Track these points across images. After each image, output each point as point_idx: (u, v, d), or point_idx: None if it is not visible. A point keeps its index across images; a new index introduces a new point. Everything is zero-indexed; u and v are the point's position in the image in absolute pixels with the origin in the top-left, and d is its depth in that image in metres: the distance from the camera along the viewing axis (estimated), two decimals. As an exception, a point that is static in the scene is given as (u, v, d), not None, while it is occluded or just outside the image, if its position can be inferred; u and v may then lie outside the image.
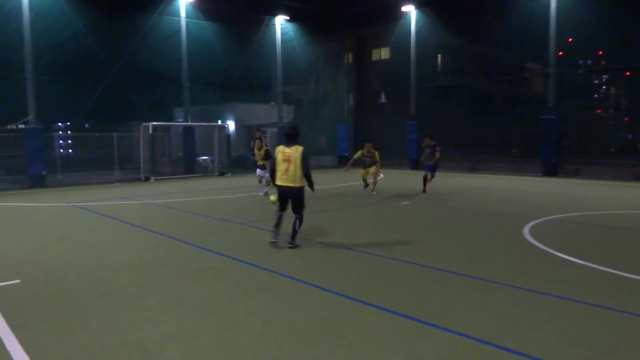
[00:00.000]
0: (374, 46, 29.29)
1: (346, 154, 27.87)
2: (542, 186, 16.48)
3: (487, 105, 24.35)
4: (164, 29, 21.53)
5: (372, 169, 13.63)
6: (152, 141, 19.94)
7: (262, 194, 13.61)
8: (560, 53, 21.34)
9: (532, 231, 8.43)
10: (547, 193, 14.43)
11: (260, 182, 13.88)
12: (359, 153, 13.76)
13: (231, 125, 26.82)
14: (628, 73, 22.18)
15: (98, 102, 19.82)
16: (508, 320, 4.46)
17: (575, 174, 19.74)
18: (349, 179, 18.42)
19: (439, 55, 27.21)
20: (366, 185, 14.08)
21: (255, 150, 14.03)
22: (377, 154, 13.60)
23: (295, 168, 6.86)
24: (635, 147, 21.66)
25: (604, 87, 25.40)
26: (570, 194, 14.22)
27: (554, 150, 20.20)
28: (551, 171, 19.98)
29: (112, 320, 4.53)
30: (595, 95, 25.23)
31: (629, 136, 22.80)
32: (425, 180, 13.94)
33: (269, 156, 12.48)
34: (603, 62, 23.22)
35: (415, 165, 24.51)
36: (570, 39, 21.47)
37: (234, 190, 15.43)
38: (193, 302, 5.01)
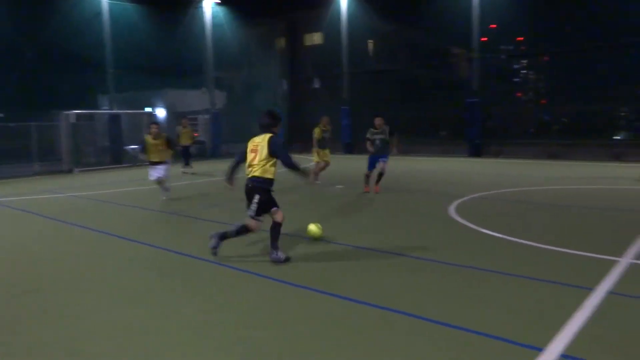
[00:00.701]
0: (306, 31, 29.26)
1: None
2: (468, 166, 17.29)
3: (416, 90, 25.10)
4: (85, 11, 20.36)
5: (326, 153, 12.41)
6: (74, 130, 18.91)
7: (163, 197, 10.75)
8: (484, 39, 22.32)
9: (458, 209, 8.85)
10: (471, 173, 15.16)
11: (160, 184, 10.61)
12: (317, 131, 12.31)
13: (161, 112, 25.92)
14: (546, 58, 23.60)
15: (14, 89, 18.48)
16: (440, 296, 4.69)
17: (498, 154, 20.86)
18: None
19: (371, 41, 27.62)
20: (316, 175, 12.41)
21: (149, 140, 10.07)
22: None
23: (261, 158, 5.73)
24: (551, 128, 23.21)
25: (524, 71, 26.86)
26: (493, 173, 15.04)
27: (478, 132, 21.21)
28: (476, 152, 20.99)
29: (40, 317, 4.32)
30: (516, 80, 26.63)
31: (546, 118, 24.35)
32: (378, 177, 10.95)
33: (174, 146, 11.00)
34: (523, 48, 24.53)
35: (350, 150, 24.90)
36: (494, 25, 22.51)
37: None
38: (124, 295, 4.87)
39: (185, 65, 24.86)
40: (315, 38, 28.95)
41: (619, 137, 21.34)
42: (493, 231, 7.10)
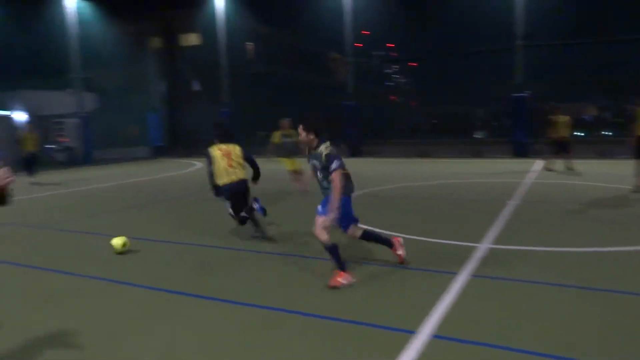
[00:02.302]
0: (182, 31, 28.35)
1: (160, 144, 26.67)
2: (348, 166, 17.98)
3: (295, 92, 25.61)
4: None
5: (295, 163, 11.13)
6: None
7: None
8: (359, 44, 23.46)
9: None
10: (353, 173, 15.78)
11: None
12: (277, 134, 11.14)
13: (21, 116, 23.39)
14: (414, 64, 25.52)
15: None
16: (307, 287, 4.83)
17: (375, 153, 22.04)
18: (164, 170, 17.67)
19: (251, 43, 27.60)
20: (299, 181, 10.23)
21: None
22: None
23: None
24: (420, 128, 25.12)
25: (395, 76, 28.74)
26: (371, 171, 15.83)
27: (356, 132, 22.21)
28: (356, 152, 21.96)
29: None
30: (389, 83, 28.40)
31: (416, 119, 26.31)
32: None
33: None
34: (393, 54, 26.26)
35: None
36: (367, 32, 23.77)
37: (34, 189, 13.47)
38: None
39: (48, 65, 22.75)
40: (192, 38, 28.17)
41: (478, 136, 23.76)
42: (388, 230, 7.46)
